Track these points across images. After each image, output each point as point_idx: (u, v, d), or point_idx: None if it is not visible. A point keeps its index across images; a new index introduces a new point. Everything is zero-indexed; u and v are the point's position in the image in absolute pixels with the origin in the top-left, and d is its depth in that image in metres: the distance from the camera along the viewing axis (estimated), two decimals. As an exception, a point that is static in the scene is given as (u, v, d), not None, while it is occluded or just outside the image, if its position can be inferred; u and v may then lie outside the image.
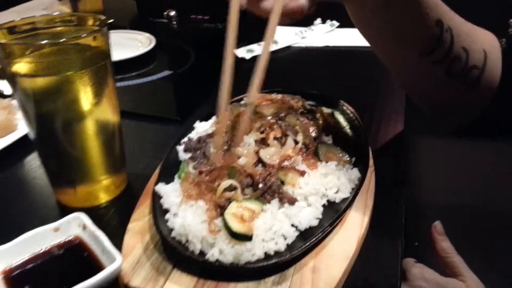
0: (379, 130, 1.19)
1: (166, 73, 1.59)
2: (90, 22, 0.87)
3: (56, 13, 0.89)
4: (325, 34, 1.93)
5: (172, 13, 2.18)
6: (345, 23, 1.96)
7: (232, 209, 0.75)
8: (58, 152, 0.88)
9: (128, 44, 1.78)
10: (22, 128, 1.19)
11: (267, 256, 0.72)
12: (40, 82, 0.79)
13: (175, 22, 2.19)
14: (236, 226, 0.72)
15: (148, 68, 1.65)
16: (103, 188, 0.95)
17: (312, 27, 1.95)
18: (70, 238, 0.79)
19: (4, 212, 0.94)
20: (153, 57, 1.73)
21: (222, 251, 0.72)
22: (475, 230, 1.78)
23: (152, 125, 1.27)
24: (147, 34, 1.86)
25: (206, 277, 0.71)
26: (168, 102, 1.47)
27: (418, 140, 2.29)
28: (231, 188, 0.79)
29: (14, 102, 1.25)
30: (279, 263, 0.71)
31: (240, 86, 0.93)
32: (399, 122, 1.23)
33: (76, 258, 0.77)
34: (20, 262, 0.75)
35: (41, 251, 0.77)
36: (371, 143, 1.02)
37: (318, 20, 1.98)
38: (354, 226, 0.81)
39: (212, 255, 0.71)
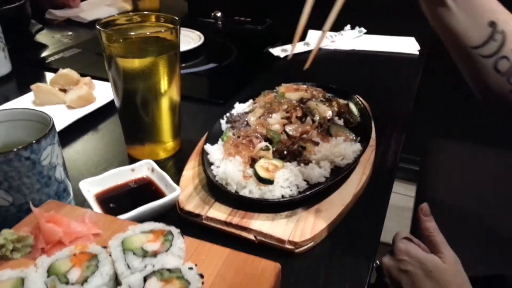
0: (385, 123, 1.42)
1: (211, 65, 1.89)
2: (163, 19, 1.17)
3: (140, 13, 1.19)
4: (353, 39, 2.16)
5: (219, 14, 2.49)
6: (371, 30, 2.19)
7: (261, 163, 1.02)
8: (135, 118, 1.18)
9: (181, 40, 2.08)
10: (99, 100, 1.51)
11: (283, 197, 0.98)
12: (128, 62, 1.09)
13: (220, 22, 2.49)
14: (263, 174, 0.99)
15: (197, 60, 1.95)
16: (163, 148, 1.25)
17: (342, 32, 2.19)
18: (142, 177, 1.09)
19: (91, 159, 1.26)
20: (201, 52, 2.02)
21: (251, 191, 0.99)
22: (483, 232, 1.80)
23: (200, 106, 1.56)
24: (197, 32, 2.17)
25: (239, 208, 0.98)
26: (213, 89, 1.77)
27: (436, 142, 2.47)
28: (264, 148, 1.06)
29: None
30: (292, 201, 0.97)
31: (274, 80, 1.19)
32: (404, 120, 1.46)
33: (146, 190, 1.06)
34: (106, 188, 1.05)
35: (121, 183, 1.07)
36: (377, 131, 1.27)
37: (348, 27, 2.22)
38: (352, 185, 1.06)
39: (244, 193, 0.99)
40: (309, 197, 0.99)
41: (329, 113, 1.23)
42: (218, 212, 0.98)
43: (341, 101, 1.34)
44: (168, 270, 0.60)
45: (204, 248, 0.71)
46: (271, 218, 0.96)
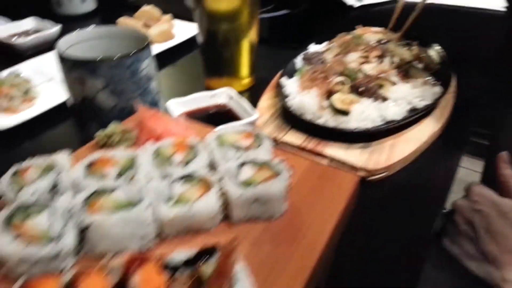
0: (465, 73, 1.36)
1: (284, 11, 1.89)
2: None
3: None
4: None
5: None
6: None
7: (338, 96, 1.04)
8: (216, 54, 1.24)
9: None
10: (178, 37, 1.58)
11: (358, 128, 1.00)
12: (215, 3, 1.14)
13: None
14: (339, 105, 1.01)
15: (269, 7, 1.96)
16: (240, 82, 1.30)
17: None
18: (221, 103, 1.15)
19: (172, 90, 1.34)
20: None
21: (326, 121, 1.02)
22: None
23: (273, 49, 1.59)
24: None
25: (313, 135, 1.01)
26: (286, 33, 1.79)
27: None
28: (341, 83, 1.07)
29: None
30: (367, 133, 0.99)
31: (346, 29, 1.16)
32: (484, 74, 1.39)
33: (225, 115, 1.12)
34: (189, 111, 1.12)
35: (202, 107, 1.14)
36: (457, 80, 1.23)
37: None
38: (429, 126, 1.06)
39: (319, 123, 1.02)
40: (384, 131, 1.00)
41: (408, 56, 1.21)
42: (293, 138, 1.02)
43: (421, 47, 1.30)
44: (260, 161, 0.65)
45: (286, 156, 0.75)
46: (345, 147, 0.98)
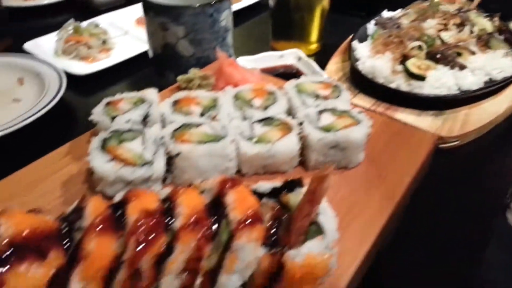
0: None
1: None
2: None
3: None
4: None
5: None
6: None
7: (413, 61, 1.01)
8: (287, 18, 1.24)
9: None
10: (245, 0, 1.58)
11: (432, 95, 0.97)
12: None
13: None
14: (415, 70, 0.98)
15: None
16: (307, 47, 1.29)
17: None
18: (288, 63, 1.15)
19: (240, 49, 1.35)
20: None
21: (399, 85, 0.99)
22: None
23: (342, 16, 1.55)
24: None
25: (383, 100, 1.00)
26: (355, 3, 1.74)
27: None
28: (417, 48, 1.04)
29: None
30: (442, 99, 0.96)
31: None
32: None
33: (292, 76, 1.12)
34: (260, 67, 1.13)
35: (270, 67, 1.15)
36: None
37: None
38: (505, 99, 1.00)
39: (391, 87, 0.99)
40: (460, 100, 0.96)
41: (489, 27, 1.14)
42: (362, 101, 1.00)
43: (502, 21, 1.22)
44: (340, 110, 0.66)
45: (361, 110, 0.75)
46: (417, 114, 0.96)
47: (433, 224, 0.78)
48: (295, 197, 0.48)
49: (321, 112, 0.65)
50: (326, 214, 0.48)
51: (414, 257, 0.71)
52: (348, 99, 0.70)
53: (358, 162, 0.65)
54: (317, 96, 0.70)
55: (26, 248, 0.39)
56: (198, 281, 0.42)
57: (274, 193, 0.50)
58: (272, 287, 0.44)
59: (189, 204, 0.45)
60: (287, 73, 1.14)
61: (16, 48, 1.28)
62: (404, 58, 1.03)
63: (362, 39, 1.18)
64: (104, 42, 1.27)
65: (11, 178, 0.62)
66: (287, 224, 0.46)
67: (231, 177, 0.48)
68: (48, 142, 0.72)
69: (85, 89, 1.16)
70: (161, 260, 0.41)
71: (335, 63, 1.18)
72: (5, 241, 0.39)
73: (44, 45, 1.29)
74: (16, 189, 0.61)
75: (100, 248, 0.40)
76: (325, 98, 0.69)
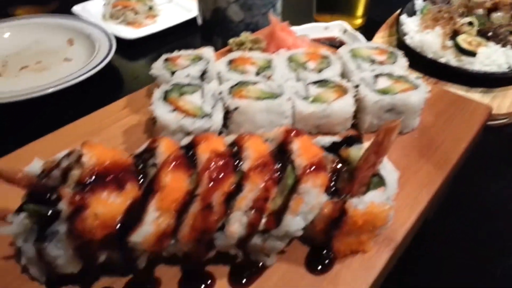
0: None
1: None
2: None
3: None
4: None
5: None
6: None
7: (464, 37, 0.99)
8: None
9: None
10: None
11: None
12: None
13: None
14: (466, 45, 0.96)
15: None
16: (351, 21, 1.27)
17: None
18: (334, 36, 1.15)
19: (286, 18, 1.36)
20: None
21: (448, 61, 0.97)
22: None
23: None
24: None
25: (431, 75, 0.98)
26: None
27: None
28: (468, 24, 1.01)
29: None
30: (492, 76, 0.94)
31: None
32: None
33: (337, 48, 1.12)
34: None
35: (315, 38, 1.14)
36: None
37: None
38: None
39: (441, 61, 0.98)
40: (510, 77, 0.94)
41: (546, 6, 1.10)
42: (409, 75, 0.99)
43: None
44: (396, 75, 0.65)
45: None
46: (466, 90, 0.94)
47: (480, 198, 0.78)
48: (355, 152, 0.49)
49: (377, 76, 0.65)
50: (387, 169, 0.49)
51: (460, 226, 0.71)
52: (405, 64, 0.70)
53: (413, 128, 0.65)
54: (372, 61, 0.70)
55: (106, 178, 0.42)
56: (263, 220, 0.44)
57: (334, 148, 0.52)
58: (332, 233, 0.46)
59: (256, 149, 0.46)
60: (332, 45, 1.13)
61: (64, 10, 1.31)
62: (454, 34, 1.01)
63: (410, 13, 1.16)
64: (150, 8, 1.29)
65: (76, 124, 0.66)
66: (348, 176, 0.48)
67: (294, 128, 0.50)
68: (96, 101, 0.75)
69: (130, 52, 1.19)
70: (230, 197, 0.43)
71: (381, 37, 1.17)
72: (89, 169, 0.41)
73: (91, 9, 1.32)
74: (81, 134, 0.64)
75: (175, 182, 0.43)
76: (381, 63, 0.69)
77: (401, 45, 1.06)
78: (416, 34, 1.07)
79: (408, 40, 1.06)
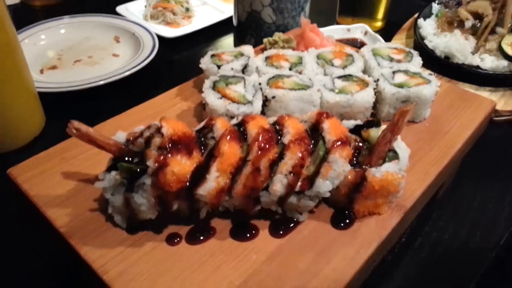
0: None
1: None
2: None
3: None
4: None
5: None
6: None
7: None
8: None
9: None
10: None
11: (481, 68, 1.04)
12: None
13: None
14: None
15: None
16: (372, 24, 1.38)
17: None
18: (355, 37, 1.25)
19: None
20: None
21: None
22: None
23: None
24: None
25: (443, 74, 1.08)
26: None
27: None
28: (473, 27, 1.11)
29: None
30: (498, 76, 1.03)
31: None
32: None
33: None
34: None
35: (337, 39, 1.25)
36: None
37: None
38: None
39: (453, 62, 1.07)
40: (517, 77, 1.03)
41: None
42: (424, 74, 1.09)
43: None
44: (412, 71, 0.76)
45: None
46: (475, 88, 1.04)
47: (483, 185, 0.88)
48: (374, 133, 0.60)
49: (395, 72, 0.76)
50: (401, 146, 0.60)
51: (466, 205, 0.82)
52: (419, 63, 0.80)
53: (424, 118, 0.75)
54: (391, 59, 0.80)
55: (180, 145, 0.54)
56: (299, 183, 0.55)
57: (356, 129, 0.63)
58: (353, 196, 0.57)
59: (294, 127, 0.58)
60: (354, 47, 1.23)
61: (109, 10, 1.45)
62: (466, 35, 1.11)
63: (427, 17, 1.26)
64: (187, 9, 1.42)
65: (139, 108, 0.78)
66: (368, 151, 0.59)
67: (325, 111, 0.61)
68: (141, 93, 0.86)
69: (168, 50, 1.31)
70: (274, 163, 0.54)
71: (399, 39, 1.27)
72: (167, 137, 0.53)
73: (133, 9, 1.46)
74: (145, 116, 0.76)
75: (231, 150, 0.54)
76: (399, 61, 0.80)
77: (418, 46, 1.16)
78: (434, 36, 1.16)
79: (427, 42, 1.16)
